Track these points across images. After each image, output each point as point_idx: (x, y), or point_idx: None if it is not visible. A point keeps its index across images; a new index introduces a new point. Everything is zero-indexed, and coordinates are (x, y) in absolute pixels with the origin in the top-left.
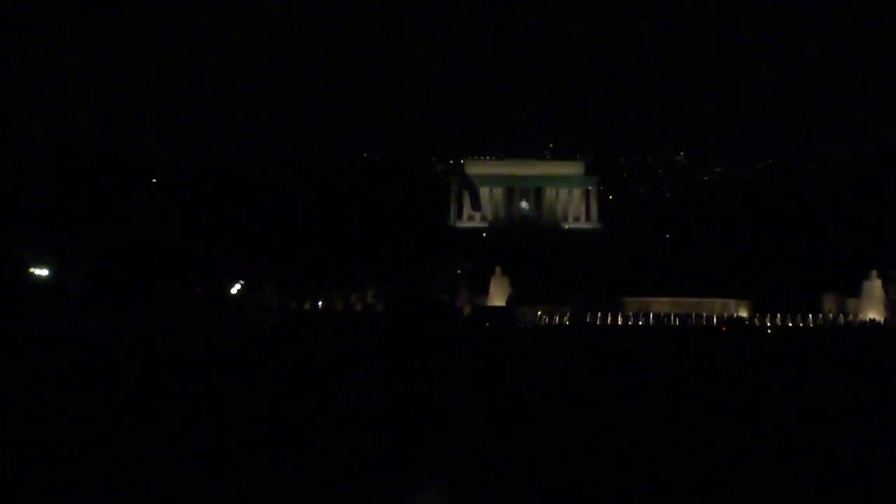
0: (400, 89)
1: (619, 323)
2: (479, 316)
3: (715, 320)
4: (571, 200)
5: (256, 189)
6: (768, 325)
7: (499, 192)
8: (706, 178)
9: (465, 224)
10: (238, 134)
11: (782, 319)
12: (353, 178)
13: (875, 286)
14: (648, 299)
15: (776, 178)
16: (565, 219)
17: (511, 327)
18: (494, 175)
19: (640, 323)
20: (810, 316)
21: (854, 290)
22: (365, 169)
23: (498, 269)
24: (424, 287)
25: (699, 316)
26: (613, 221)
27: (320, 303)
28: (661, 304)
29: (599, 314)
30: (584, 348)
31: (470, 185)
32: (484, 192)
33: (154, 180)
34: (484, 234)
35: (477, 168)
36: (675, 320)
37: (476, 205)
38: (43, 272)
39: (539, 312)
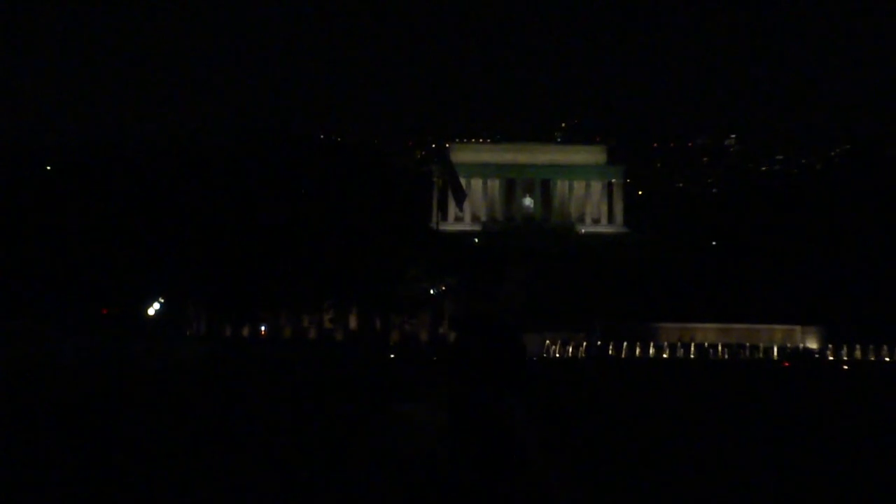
0: (372, 57)
1: (651, 355)
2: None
3: (776, 352)
4: (589, 197)
5: (179, 180)
6: (844, 359)
7: (495, 185)
8: (764, 168)
9: (450, 227)
10: (161, 110)
11: (862, 352)
12: (305, 168)
13: None
14: (690, 326)
15: (856, 169)
16: (581, 220)
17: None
18: (489, 164)
19: (679, 355)
20: None
21: None
22: (321, 155)
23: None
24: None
25: (755, 347)
26: (643, 224)
27: (263, 328)
28: (707, 332)
29: (625, 344)
30: (606, 388)
31: (451, 175)
32: (476, 185)
33: (48, 168)
34: (475, 241)
35: (466, 154)
36: (724, 352)
37: (459, 200)
38: None
39: (547, 342)
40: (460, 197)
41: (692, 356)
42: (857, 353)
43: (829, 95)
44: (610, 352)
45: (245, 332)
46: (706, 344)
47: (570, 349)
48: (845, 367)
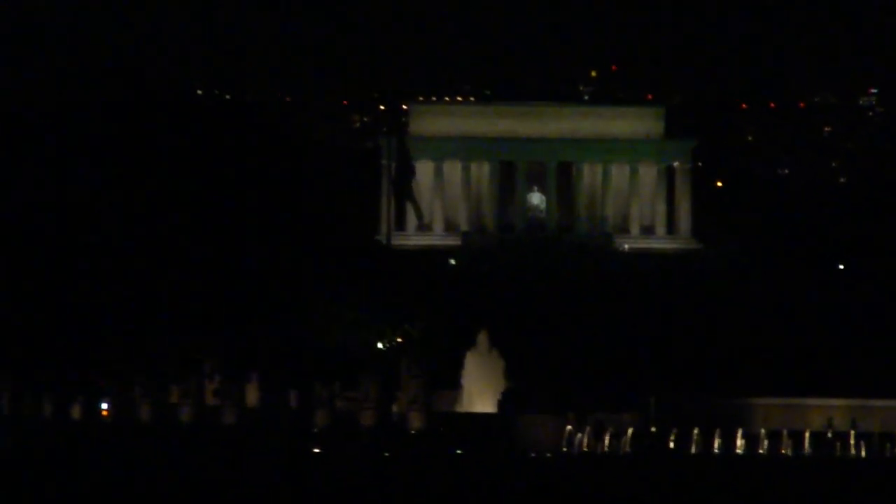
0: None
1: (740, 449)
2: (444, 432)
3: None
4: (637, 190)
5: None
6: None
7: (482, 171)
8: None
9: (410, 240)
10: None
11: None
12: (175, 140)
13: None
14: (805, 401)
15: None
16: (624, 229)
17: (512, 458)
18: (473, 137)
19: (787, 451)
20: None
21: None
22: (202, 121)
23: (481, 337)
24: None
25: None
26: (724, 234)
27: (105, 406)
28: (832, 410)
29: (697, 431)
30: None
31: (402, 158)
32: (451, 172)
33: None
34: (452, 262)
35: (434, 122)
36: (859, 444)
37: (405, 192)
38: None
39: (568, 427)
40: (405, 189)
41: (810, 451)
42: None
43: None
44: (671, 443)
45: (76, 412)
46: (832, 428)
47: (608, 439)
48: None
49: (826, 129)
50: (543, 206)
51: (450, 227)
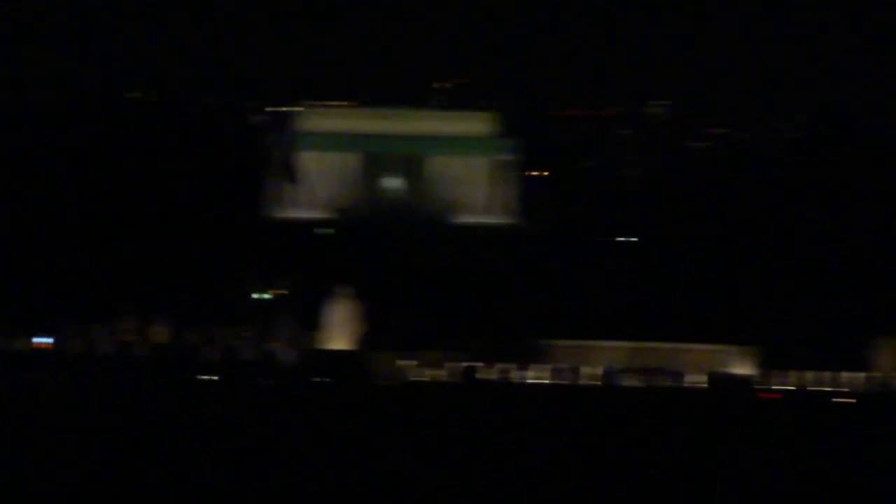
0: None
1: (540, 377)
2: (312, 364)
3: (706, 377)
4: (471, 179)
5: None
6: (777, 387)
7: (355, 161)
8: (704, 143)
9: (291, 215)
10: None
11: (799, 378)
12: (93, 128)
13: None
14: (592, 343)
15: (821, 145)
16: (459, 209)
17: (363, 385)
18: (347, 133)
19: (571, 380)
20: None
21: None
22: (120, 113)
23: (343, 290)
24: None
25: (672, 371)
26: (540, 215)
27: (51, 340)
28: (609, 351)
29: (498, 366)
30: (486, 426)
31: (281, 145)
32: (333, 160)
33: None
34: (324, 232)
35: (319, 121)
36: (630, 376)
37: (291, 176)
38: None
39: (403, 361)
40: (289, 174)
41: (595, 381)
42: (793, 380)
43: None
44: (493, 375)
45: (21, 344)
46: (607, 365)
47: (434, 371)
48: (777, 394)
49: (623, 132)
50: (400, 189)
51: (325, 206)
